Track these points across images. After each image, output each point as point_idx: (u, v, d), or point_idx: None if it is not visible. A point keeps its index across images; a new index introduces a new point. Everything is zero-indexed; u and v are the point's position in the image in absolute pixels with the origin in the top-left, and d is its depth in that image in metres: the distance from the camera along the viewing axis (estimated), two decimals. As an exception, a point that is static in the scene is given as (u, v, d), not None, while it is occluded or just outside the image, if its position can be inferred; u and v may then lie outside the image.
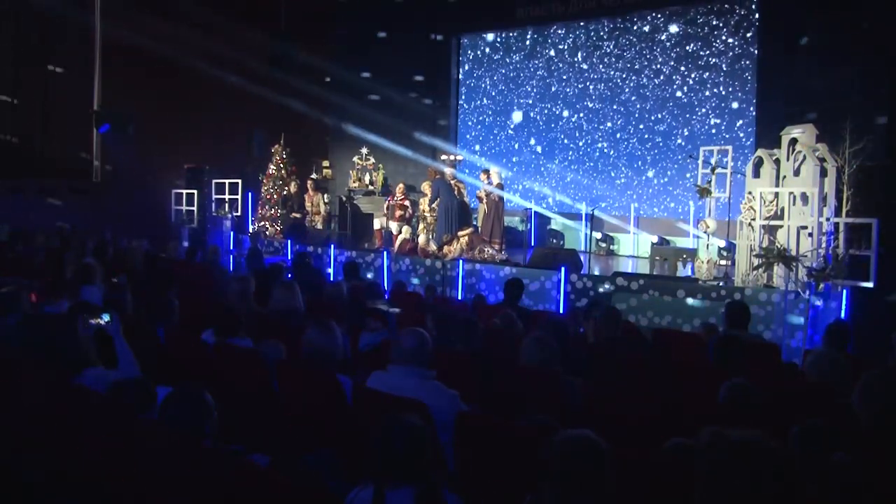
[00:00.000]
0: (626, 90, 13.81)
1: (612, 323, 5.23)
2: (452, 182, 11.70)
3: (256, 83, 14.69)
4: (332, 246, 11.59)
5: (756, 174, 8.54)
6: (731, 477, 1.84)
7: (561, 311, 8.68)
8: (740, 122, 12.52)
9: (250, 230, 14.24)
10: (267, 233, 13.92)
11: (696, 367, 4.73)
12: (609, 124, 14.05)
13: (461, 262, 10.10)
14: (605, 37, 14.10)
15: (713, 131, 12.73)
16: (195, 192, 15.01)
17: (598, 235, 13.01)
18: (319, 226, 13.98)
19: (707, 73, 12.87)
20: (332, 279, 10.29)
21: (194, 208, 14.97)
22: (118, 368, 3.70)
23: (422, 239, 11.84)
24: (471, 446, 3.08)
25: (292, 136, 15.00)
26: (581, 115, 14.45)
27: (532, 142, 15.12)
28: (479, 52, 16.02)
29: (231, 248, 13.21)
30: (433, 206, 11.72)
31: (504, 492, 2.81)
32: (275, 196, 14.34)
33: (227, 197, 14.82)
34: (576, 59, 14.49)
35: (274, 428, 3.76)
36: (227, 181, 14.85)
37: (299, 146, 15.31)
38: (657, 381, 4.51)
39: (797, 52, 10.88)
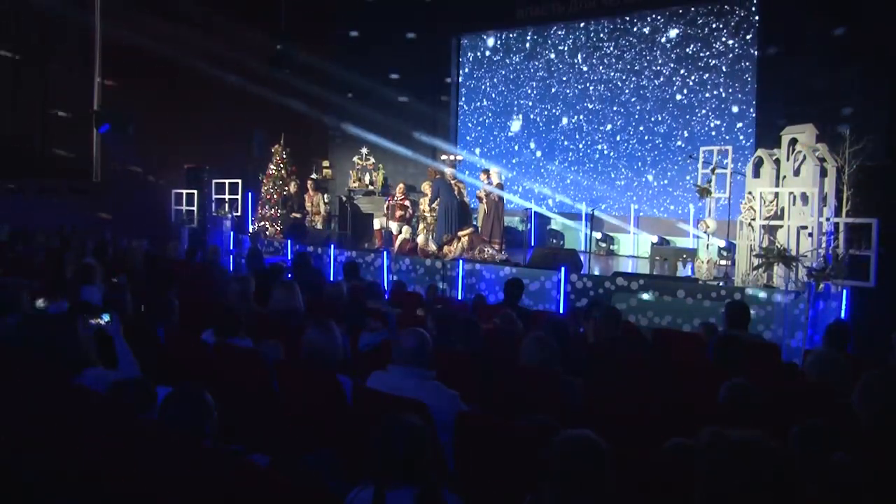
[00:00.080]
0: (626, 91, 13.81)
1: (612, 323, 5.23)
2: (452, 182, 11.70)
3: (256, 83, 14.69)
4: (332, 246, 11.58)
5: (756, 174, 8.54)
6: (731, 477, 1.84)
7: (561, 311, 8.68)
8: (740, 123, 12.52)
9: (250, 230, 14.24)
10: (267, 233, 13.92)
11: (696, 367, 4.73)
12: (609, 126, 14.05)
13: (461, 262, 10.10)
14: (605, 38, 14.10)
15: (713, 133, 12.73)
16: (195, 192, 15.00)
17: (598, 235, 13.01)
18: (319, 226, 13.98)
19: (707, 75, 12.87)
20: (332, 279, 10.28)
21: (194, 208, 14.96)
22: (118, 368, 3.70)
23: (421, 239, 11.84)
24: (471, 446, 3.08)
25: (292, 136, 15.00)
26: (581, 116, 14.45)
27: (532, 145, 15.12)
28: (478, 54, 16.02)
29: (231, 248, 13.20)
30: (433, 206, 11.72)
31: (504, 492, 2.81)
32: (275, 196, 14.34)
33: (227, 197, 14.81)
34: (576, 61, 14.49)
35: (274, 428, 3.76)
36: (227, 181, 14.84)
37: (299, 146, 15.31)
38: (657, 381, 4.51)
39: (797, 52, 10.88)
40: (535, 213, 13.94)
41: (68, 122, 15.88)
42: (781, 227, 7.99)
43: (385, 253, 11.03)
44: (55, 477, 2.70)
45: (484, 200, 11.80)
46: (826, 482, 2.47)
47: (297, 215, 13.98)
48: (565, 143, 14.66)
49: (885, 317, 7.48)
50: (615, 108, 13.99)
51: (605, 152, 14.14)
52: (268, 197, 14.40)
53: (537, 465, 2.15)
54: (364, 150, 14.78)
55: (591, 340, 5.26)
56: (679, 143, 13.19)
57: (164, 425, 2.72)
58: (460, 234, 11.28)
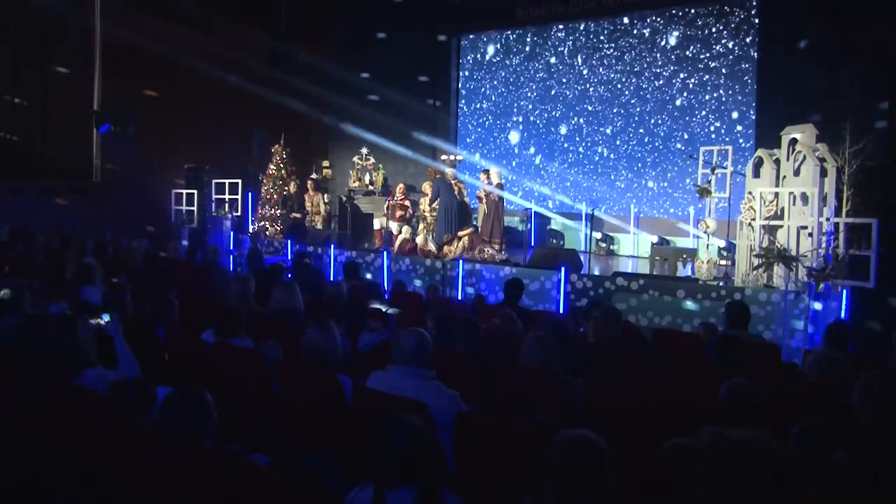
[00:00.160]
0: (626, 93, 13.81)
1: (612, 323, 5.22)
2: (452, 182, 11.69)
3: (256, 83, 14.70)
4: (332, 246, 11.58)
5: (756, 174, 8.54)
6: (731, 477, 1.83)
7: (561, 311, 8.68)
8: (740, 126, 12.51)
9: (250, 230, 14.23)
10: (267, 233, 13.91)
11: (696, 367, 4.72)
12: (609, 128, 14.05)
13: (461, 262, 10.10)
14: (604, 39, 14.10)
15: (713, 135, 12.73)
16: (195, 192, 15.00)
17: (598, 235, 13.01)
18: (319, 226, 13.97)
19: (707, 76, 12.87)
20: (332, 279, 10.28)
21: (194, 208, 14.97)
22: (118, 368, 3.71)
23: (421, 239, 11.84)
24: (471, 446, 3.08)
25: (292, 136, 15.00)
26: (581, 118, 14.44)
27: (532, 150, 15.12)
28: (478, 55, 16.02)
29: (231, 248, 13.20)
30: (433, 206, 11.72)
31: (504, 492, 2.81)
32: (275, 196, 14.34)
33: (227, 197, 14.81)
34: (575, 62, 14.49)
35: (274, 428, 3.76)
36: (227, 181, 14.84)
37: (299, 146, 15.31)
38: (657, 381, 4.51)
39: (797, 53, 10.88)
40: (535, 213, 13.94)
41: (68, 122, 15.88)
42: (781, 227, 7.99)
43: (385, 253, 11.03)
44: (55, 477, 2.70)
45: (484, 200, 11.79)
46: (826, 482, 2.47)
47: (297, 215, 13.98)
48: (565, 144, 14.65)
49: (885, 317, 7.49)
50: (615, 110, 13.99)
51: (605, 154, 14.14)
52: (268, 197, 14.40)
53: (537, 465, 2.15)
54: (364, 150, 14.78)
55: (591, 340, 5.26)
56: (679, 144, 13.19)
57: (164, 425, 2.72)
58: (460, 234, 11.27)
